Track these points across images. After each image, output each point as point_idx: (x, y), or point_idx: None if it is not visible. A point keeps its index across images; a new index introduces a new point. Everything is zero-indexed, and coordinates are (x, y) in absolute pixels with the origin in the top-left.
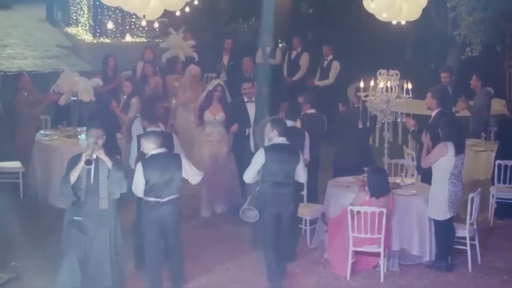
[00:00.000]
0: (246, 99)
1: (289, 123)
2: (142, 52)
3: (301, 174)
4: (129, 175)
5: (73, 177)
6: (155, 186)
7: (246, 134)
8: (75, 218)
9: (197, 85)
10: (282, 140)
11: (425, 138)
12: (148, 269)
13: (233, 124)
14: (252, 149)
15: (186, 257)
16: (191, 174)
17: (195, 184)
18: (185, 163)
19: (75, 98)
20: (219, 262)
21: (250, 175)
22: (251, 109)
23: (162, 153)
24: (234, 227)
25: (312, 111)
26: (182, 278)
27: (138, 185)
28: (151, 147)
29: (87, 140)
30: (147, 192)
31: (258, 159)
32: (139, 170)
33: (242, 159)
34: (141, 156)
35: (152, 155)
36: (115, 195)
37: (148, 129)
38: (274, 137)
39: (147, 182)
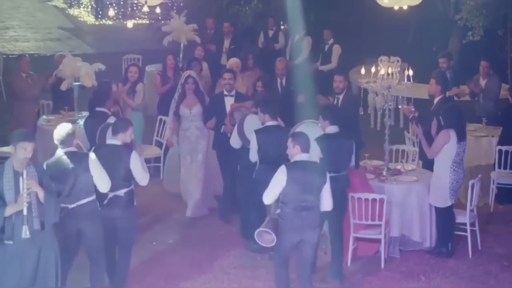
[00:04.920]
0: (225, 92)
1: (333, 128)
2: (193, 51)
3: (326, 201)
4: None
5: (8, 213)
6: (61, 191)
7: (222, 131)
8: (5, 242)
9: (247, 77)
10: (305, 156)
11: (417, 129)
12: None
13: (211, 119)
14: (236, 145)
15: (188, 243)
16: (99, 180)
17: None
18: (93, 162)
19: (77, 83)
20: (221, 249)
21: (270, 197)
22: (229, 103)
23: (65, 153)
24: (235, 215)
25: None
26: None
27: None
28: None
29: (15, 153)
30: (59, 197)
31: (279, 179)
32: None
33: (225, 156)
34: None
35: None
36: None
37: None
38: (297, 153)
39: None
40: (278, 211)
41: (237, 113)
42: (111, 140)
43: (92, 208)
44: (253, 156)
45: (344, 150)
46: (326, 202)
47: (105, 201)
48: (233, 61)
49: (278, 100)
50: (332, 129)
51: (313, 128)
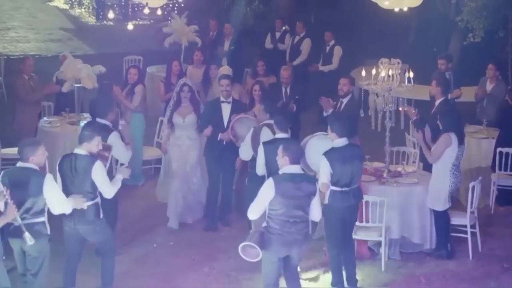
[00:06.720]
0: (222, 99)
1: (342, 141)
2: (192, 56)
3: (315, 211)
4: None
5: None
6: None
7: (219, 138)
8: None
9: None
10: (295, 169)
11: (418, 135)
12: None
13: (207, 127)
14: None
15: (189, 245)
16: (56, 203)
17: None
18: (48, 184)
19: (79, 85)
20: (222, 251)
21: (256, 212)
22: (226, 110)
23: (19, 168)
24: (236, 217)
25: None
26: None
27: None
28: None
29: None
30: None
31: (266, 193)
32: None
33: (215, 163)
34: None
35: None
36: None
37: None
38: (285, 164)
39: None
40: (265, 224)
41: (237, 123)
42: (76, 150)
43: (37, 229)
44: (260, 170)
45: (355, 163)
46: (315, 213)
47: (67, 212)
48: (225, 69)
49: (283, 110)
50: (341, 142)
51: (325, 142)
